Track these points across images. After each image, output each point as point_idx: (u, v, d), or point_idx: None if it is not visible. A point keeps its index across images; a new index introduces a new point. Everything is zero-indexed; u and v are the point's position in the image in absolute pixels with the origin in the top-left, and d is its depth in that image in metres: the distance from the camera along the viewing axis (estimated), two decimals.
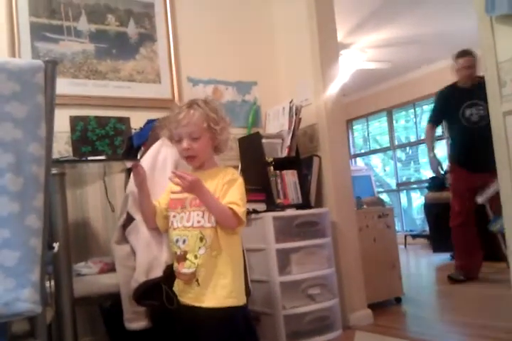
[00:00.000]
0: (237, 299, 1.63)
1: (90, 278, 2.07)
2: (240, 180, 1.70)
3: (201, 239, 1.61)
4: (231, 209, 1.60)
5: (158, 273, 1.75)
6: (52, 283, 1.61)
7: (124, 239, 1.93)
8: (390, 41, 5.85)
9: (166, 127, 1.73)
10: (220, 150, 1.79)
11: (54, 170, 1.58)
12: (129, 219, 1.91)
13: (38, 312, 1.17)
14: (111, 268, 2.11)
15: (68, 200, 1.73)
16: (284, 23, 3.32)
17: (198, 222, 1.63)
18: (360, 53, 6.05)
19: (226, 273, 1.61)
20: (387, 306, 3.26)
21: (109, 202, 2.51)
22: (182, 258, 1.63)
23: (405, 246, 7.04)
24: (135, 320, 1.84)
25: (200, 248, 1.60)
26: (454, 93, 4.11)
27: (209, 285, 1.59)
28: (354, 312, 2.86)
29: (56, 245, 1.51)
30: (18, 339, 1.26)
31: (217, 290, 1.59)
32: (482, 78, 3.95)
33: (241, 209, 1.62)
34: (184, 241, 1.63)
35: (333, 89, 3.02)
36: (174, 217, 1.69)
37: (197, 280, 1.60)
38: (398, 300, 3.40)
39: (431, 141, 4.27)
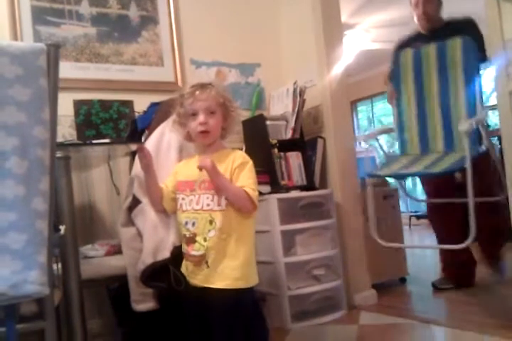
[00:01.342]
0: (247, 281, 1.63)
1: (97, 260, 2.09)
2: (251, 163, 1.70)
3: (211, 222, 1.61)
4: (245, 192, 1.61)
5: (165, 254, 1.76)
6: (60, 265, 1.63)
7: (130, 222, 1.94)
8: (394, 21, 5.77)
9: (180, 104, 1.72)
10: (227, 133, 1.78)
11: (59, 154, 1.58)
12: (135, 202, 1.92)
13: (45, 293, 1.18)
14: (117, 251, 2.12)
15: (73, 184, 1.74)
16: (288, 4, 3.29)
17: (208, 205, 1.63)
18: (365, 33, 5.99)
19: (236, 256, 1.61)
20: (391, 286, 3.28)
21: (115, 185, 2.52)
22: (191, 240, 1.63)
23: (410, 227, 7.05)
24: (142, 302, 1.86)
25: (209, 231, 1.61)
26: (411, 40, 3.29)
27: (218, 267, 1.60)
28: (359, 293, 2.88)
29: (62, 228, 1.52)
30: (27, 321, 1.27)
31: (226, 273, 1.59)
32: (449, 22, 3.12)
33: (255, 194, 1.63)
34: (193, 224, 1.64)
35: (337, 70, 3.00)
36: (183, 199, 1.70)
37: (206, 263, 1.60)
38: (403, 281, 3.42)
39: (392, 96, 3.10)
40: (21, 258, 1.13)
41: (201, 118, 1.67)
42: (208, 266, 1.60)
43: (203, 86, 1.71)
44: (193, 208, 1.65)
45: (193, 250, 1.63)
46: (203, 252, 1.60)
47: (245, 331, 1.61)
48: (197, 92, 1.69)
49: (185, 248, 1.67)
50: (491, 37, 2.10)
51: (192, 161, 1.74)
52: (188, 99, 1.69)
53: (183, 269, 1.69)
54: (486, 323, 2.32)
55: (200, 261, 1.61)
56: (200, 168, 1.60)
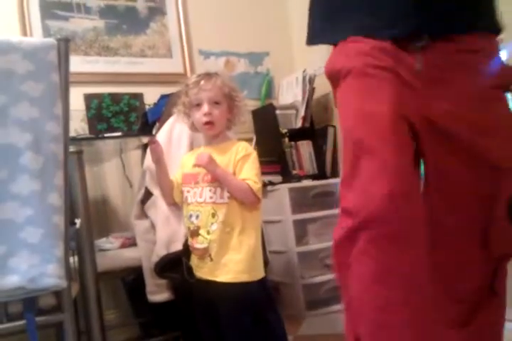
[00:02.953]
0: (250, 275, 1.61)
1: (112, 252, 2.10)
2: (254, 155, 1.67)
3: (213, 215, 1.60)
4: (247, 184, 1.59)
5: (178, 246, 1.78)
6: (76, 258, 1.65)
7: (143, 214, 1.96)
8: None
9: (185, 93, 1.70)
10: (232, 124, 1.75)
11: (72, 148, 1.59)
12: (147, 195, 1.93)
13: (63, 286, 1.20)
14: (132, 243, 2.14)
15: (87, 177, 1.75)
16: None
17: (211, 197, 1.62)
18: None
19: (240, 249, 1.59)
20: None
21: (127, 178, 2.53)
22: (195, 233, 1.63)
23: None
24: (157, 293, 1.88)
25: (212, 224, 1.60)
26: None
27: (221, 260, 1.59)
28: None
29: (78, 221, 1.54)
30: (46, 314, 1.29)
31: (230, 266, 1.58)
32: None
33: (256, 186, 1.60)
34: (197, 217, 1.63)
35: None
36: (188, 192, 1.69)
37: (210, 256, 1.60)
38: None
39: None
40: (39, 252, 1.14)
41: (205, 108, 1.64)
42: (212, 259, 1.59)
43: (208, 75, 1.69)
44: (196, 201, 1.65)
45: (197, 243, 1.62)
46: (206, 245, 1.60)
47: (257, 321, 1.62)
48: (202, 82, 1.66)
49: (190, 241, 1.66)
50: (505, 20, 2.07)
51: (197, 153, 1.74)
52: (192, 89, 1.67)
53: (191, 262, 1.69)
54: None
55: (204, 254, 1.61)
56: (197, 166, 1.60)
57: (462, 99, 1.16)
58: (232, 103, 1.71)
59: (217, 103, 1.66)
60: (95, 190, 2.54)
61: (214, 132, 1.70)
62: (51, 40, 1.20)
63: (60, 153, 1.21)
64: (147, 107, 2.54)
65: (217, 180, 1.61)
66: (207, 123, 1.66)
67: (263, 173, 1.74)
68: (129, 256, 2.02)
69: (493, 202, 1.19)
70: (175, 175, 1.80)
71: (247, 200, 1.62)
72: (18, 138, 1.15)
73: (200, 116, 1.66)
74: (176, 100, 1.80)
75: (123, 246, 2.17)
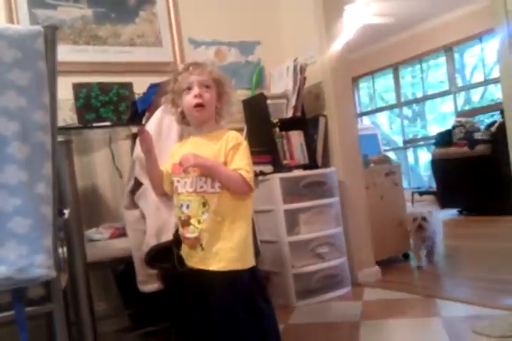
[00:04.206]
0: (242, 263, 1.61)
1: (102, 243, 2.10)
2: (245, 144, 1.66)
3: (204, 205, 1.59)
4: (239, 174, 1.59)
5: (168, 236, 1.77)
6: (65, 249, 1.64)
7: (133, 204, 1.95)
8: None
9: (174, 80, 1.70)
10: (221, 117, 1.74)
11: (60, 138, 1.58)
12: (137, 185, 1.92)
13: (52, 277, 1.19)
14: (122, 233, 2.14)
15: (76, 167, 1.73)
16: None
17: (201, 187, 1.61)
18: (365, 8, 5.90)
19: (231, 238, 1.60)
20: (395, 262, 3.30)
21: (117, 169, 2.52)
22: (186, 223, 1.62)
23: (412, 204, 7.07)
24: (148, 283, 1.88)
25: (203, 213, 1.59)
26: None
27: (212, 249, 1.59)
28: (362, 270, 2.90)
29: (67, 212, 1.53)
30: (35, 304, 1.28)
31: (221, 255, 1.58)
32: None
33: (249, 175, 1.60)
34: (188, 206, 1.62)
35: (337, 46, 2.97)
36: (178, 182, 1.68)
37: (201, 245, 1.60)
38: (406, 257, 3.44)
39: None
40: (27, 242, 1.13)
41: (196, 90, 1.64)
42: (203, 249, 1.59)
43: (197, 63, 1.70)
44: (186, 190, 1.63)
45: (188, 232, 1.62)
46: (197, 234, 1.59)
47: (248, 310, 1.62)
48: (191, 67, 1.67)
49: (181, 230, 1.66)
50: (494, 8, 2.06)
51: (187, 143, 1.73)
52: (182, 74, 1.67)
53: (182, 251, 1.69)
54: (488, 296, 2.34)
55: (195, 243, 1.60)
56: (185, 170, 1.59)
57: None
58: (222, 89, 1.71)
59: (207, 87, 1.66)
60: (85, 180, 2.52)
61: (203, 116, 1.69)
62: (38, 28, 1.18)
63: (48, 143, 1.19)
64: (136, 96, 2.52)
65: (209, 172, 1.60)
66: (197, 105, 1.64)
67: (254, 163, 1.73)
68: (119, 246, 2.01)
69: None
70: (164, 165, 1.79)
71: (239, 190, 1.61)
72: (5, 128, 1.13)
73: (190, 98, 1.65)
74: (165, 88, 1.79)
75: (113, 236, 2.16)
